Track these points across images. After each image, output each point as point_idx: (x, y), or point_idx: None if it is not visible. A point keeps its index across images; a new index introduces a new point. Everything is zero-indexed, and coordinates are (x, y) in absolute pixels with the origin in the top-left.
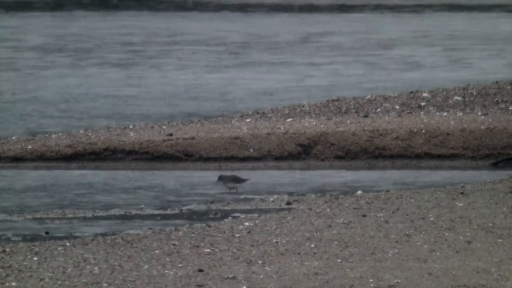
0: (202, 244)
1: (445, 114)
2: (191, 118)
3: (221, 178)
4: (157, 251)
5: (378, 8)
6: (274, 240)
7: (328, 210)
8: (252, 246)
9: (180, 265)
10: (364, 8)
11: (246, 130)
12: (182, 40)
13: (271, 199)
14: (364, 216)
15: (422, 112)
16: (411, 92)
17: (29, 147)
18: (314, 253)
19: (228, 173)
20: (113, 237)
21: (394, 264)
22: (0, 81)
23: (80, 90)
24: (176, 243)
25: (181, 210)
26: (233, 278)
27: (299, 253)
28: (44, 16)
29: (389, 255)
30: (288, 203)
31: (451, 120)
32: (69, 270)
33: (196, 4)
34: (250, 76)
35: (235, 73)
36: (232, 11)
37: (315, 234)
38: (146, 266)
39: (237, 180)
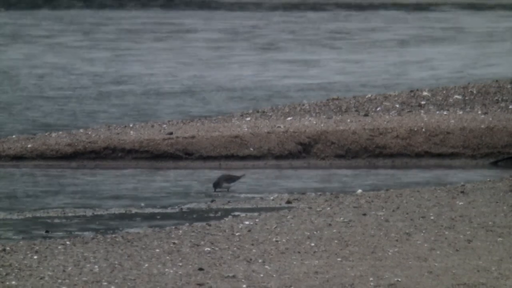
0: (202, 242)
1: (445, 112)
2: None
3: (215, 185)
4: (157, 250)
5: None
6: (274, 239)
7: (328, 208)
8: (252, 245)
9: (180, 264)
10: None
11: (246, 129)
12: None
13: (271, 198)
14: (364, 214)
15: (422, 111)
16: (411, 91)
17: (29, 145)
18: (314, 252)
19: (224, 172)
20: (113, 235)
21: (394, 263)
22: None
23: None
24: (176, 241)
25: (181, 209)
26: (233, 276)
27: (299, 252)
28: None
29: (389, 253)
30: (288, 202)
31: (451, 118)
32: (69, 268)
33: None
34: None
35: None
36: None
37: (315, 233)
38: (146, 265)
39: (232, 179)
